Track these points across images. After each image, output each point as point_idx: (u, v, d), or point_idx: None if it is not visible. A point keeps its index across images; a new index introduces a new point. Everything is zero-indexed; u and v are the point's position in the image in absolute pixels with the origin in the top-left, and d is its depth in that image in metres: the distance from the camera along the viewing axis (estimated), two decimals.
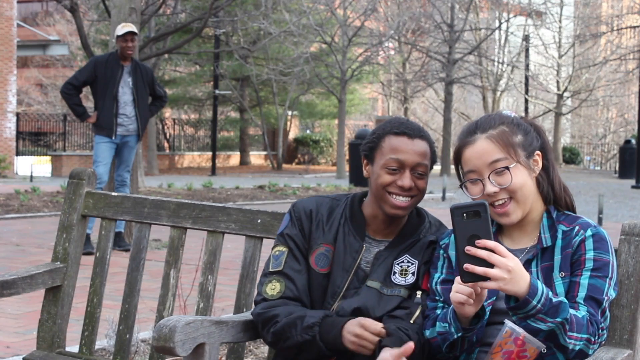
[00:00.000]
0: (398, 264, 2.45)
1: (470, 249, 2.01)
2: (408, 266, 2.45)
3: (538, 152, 2.32)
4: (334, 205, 2.56)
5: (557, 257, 2.26)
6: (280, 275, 2.48)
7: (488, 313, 2.26)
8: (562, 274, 2.23)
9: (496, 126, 2.30)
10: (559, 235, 2.28)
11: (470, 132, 2.32)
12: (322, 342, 2.33)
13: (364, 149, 2.53)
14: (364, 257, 2.49)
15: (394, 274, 2.44)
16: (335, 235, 2.50)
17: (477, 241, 2.01)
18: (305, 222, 2.53)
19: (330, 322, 2.34)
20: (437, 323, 2.24)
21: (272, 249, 2.55)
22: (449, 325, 2.18)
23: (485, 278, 2.01)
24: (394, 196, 2.43)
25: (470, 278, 2.02)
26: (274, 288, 2.47)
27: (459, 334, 2.17)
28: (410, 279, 2.44)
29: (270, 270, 2.50)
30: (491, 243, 2.01)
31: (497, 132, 2.28)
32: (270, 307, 2.44)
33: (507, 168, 2.24)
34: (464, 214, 2.04)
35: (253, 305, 2.53)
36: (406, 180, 2.42)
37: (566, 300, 2.09)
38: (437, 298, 2.34)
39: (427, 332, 2.28)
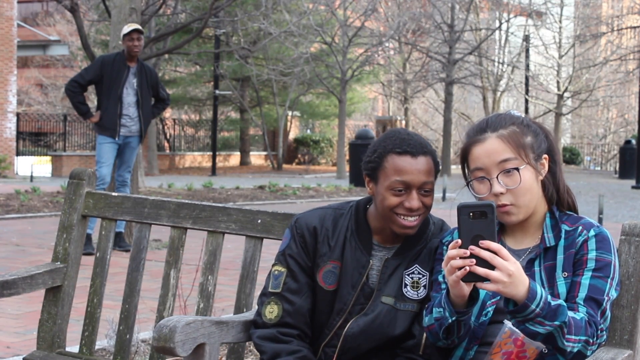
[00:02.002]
0: (409, 275, 2.44)
1: (473, 249, 2.01)
2: (419, 278, 2.44)
3: (546, 155, 2.31)
4: (337, 215, 2.52)
5: (560, 257, 2.25)
6: (278, 297, 2.45)
7: (491, 311, 2.26)
8: (564, 274, 2.23)
9: (507, 126, 2.28)
10: (562, 235, 2.27)
11: (481, 130, 2.30)
12: None
13: (365, 168, 2.46)
14: (374, 265, 2.46)
15: (405, 286, 2.43)
16: (342, 250, 2.47)
17: (480, 242, 2.01)
18: (309, 240, 2.48)
19: None
20: (434, 309, 2.23)
21: (272, 266, 2.52)
22: (444, 310, 2.17)
23: (486, 279, 2.01)
24: (402, 217, 2.38)
25: (471, 278, 2.03)
26: (272, 311, 2.45)
27: (453, 318, 2.15)
28: (423, 293, 2.43)
29: (270, 290, 2.48)
30: (495, 245, 2.01)
31: (508, 132, 2.27)
32: (263, 340, 2.44)
33: (517, 169, 2.23)
34: (471, 214, 2.03)
35: (253, 327, 2.53)
36: (414, 201, 2.37)
37: (564, 304, 2.09)
38: (442, 287, 2.32)
39: (426, 319, 2.28)
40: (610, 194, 18.69)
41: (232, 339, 2.49)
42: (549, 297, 2.06)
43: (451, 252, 2.03)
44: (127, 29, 8.24)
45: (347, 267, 2.46)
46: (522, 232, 2.33)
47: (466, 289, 2.10)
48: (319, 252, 2.48)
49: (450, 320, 2.16)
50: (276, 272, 2.49)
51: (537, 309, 2.03)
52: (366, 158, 2.47)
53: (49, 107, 36.37)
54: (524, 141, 2.27)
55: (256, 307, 2.58)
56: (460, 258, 2.02)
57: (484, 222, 2.02)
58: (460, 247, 2.03)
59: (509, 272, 1.99)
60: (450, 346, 2.29)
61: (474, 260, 2.01)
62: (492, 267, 2.00)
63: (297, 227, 2.51)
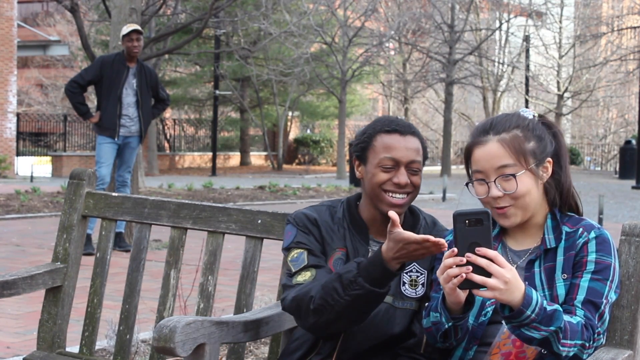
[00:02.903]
0: (407, 274, 2.44)
1: (470, 256, 2.01)
2: (417, 276, 2.44)
3: (549, 159, 2.29)
4: (332, 212, 2.53)
5: (560, 258, 2.25)
6: (308, 268, 2.39)
7: (490, 312, 2.26)
8: (564, 276, 2.22)
9: (510, 129, 2.26)
10: (563, 237, 2.27)
11: (484, 131, 2.29)
12: (375, 286, 2.19)
13: (355, 150, 2.49)
14: None
15: (403, 285, 2.43)
16: (344, 239, 2.48)
17: (477, 249, 2.01)
18: (314, 229, 2.47)
19: (366, 265, 2.22)
20: (431, 313, 2.24)
21: (287, 255, 2.45)
22: (440, 315, 2.18)
23: (482, 286, 2.01)
24: (391, 194, 2.41)
25: (467, 285, 2.03)
26: (304, 275, 2.38)
27: (450, 324, 2.16)
28: (421, 291, 2.43)
29: (294, 270, 2.41)
30: (491, 252, 2.01)
31: (510, 137, 2.25)
32: (302, 288, 2.32)
33: (514, 176, 2.23)
34: (466, 221, 2.04)
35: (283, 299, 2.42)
36: (402, 177, 2.40)
37: (560, 308, 2.09)
38: (442, 288, 2.32)
39: (424, 322, 2.28)
40: (610, 194, 18.69)
41: (232, 339, 2.49)
42: (545, 302, 2.06)
43: (447, 260, 2.03)
44: (126, 29, 8.24)
45: (350, 255, 2.47)
46: (523, 233, 2.32)
47: (462, 295, 2.10)
48: (326, 240, 2.47)
49: (446, 326, 2.17)
50: (295, 254, 2.43)
51: (533, 315, 2.03)
52: (355, 141, 2.50)
53: (49, 108, 36.37)
54: (524, 147, 2.25)
55: (257, 307, 2.58)
56: (457, 266, 2.02)
57: (479, 229, 2.03)
58: (456, 255, 2.03)
59: (505, 279, 2.00)
60: (448, 348, 2.29)
61: (470, 268, 2.01)
62: (488, 274, 2.00)
63: (297, 221, 2.49)
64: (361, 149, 2.47)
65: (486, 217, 2.03)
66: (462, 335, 2.23)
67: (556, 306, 2.08)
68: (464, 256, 2.02)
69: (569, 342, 2.08)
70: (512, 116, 2.31)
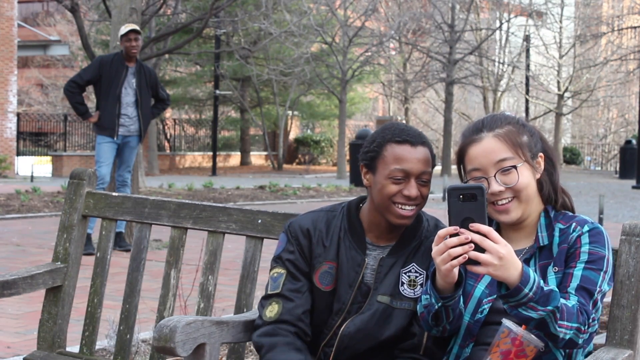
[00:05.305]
0: (406, 274, 2.44)
1: (463, 232, 2.00)
2: (416, 277, 2.44)
3: (541, 154, 2.32)
4: (330, 218, 2.53)
5: (555, 255, 2.26)
6: (279, 297, 2.46)
7: (487, 309, 2.25)
8: (555, 269, 2.23)
9: (503, 125, 2.29)
10: (556, 234, 2.28)
11: (477, 130, 2.31)
12: None
13: (364, 158, 2.46)
14: (368, 264, 2.47)
15: (402, 285, 2.43)
16: (337, 251, 2.48)
17: (470, 224, 2.00)
18: (304, 242, 2.49)
19: None
20: (422, 297, 2.24)
21: (270, 270, 2.52)
22: (430, 297, 2.17)
23: (476, 262, 2.00)
24: (400, 206, 2.39)
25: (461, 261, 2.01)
26: (272, 310, 2.45)
27: (439, 304, 2.15)
28: (419, 291, 2.42)
29: (269, 292, 2.48)
30: (484, 227, 2.00)
31: (505, 131, 2.28)
32: (261, 337, 2.43)
33: (515, 167, 2.24)
34: (461, 196, 2.02)
35: (254, 330, 2.53)
36: (413, 190, 2.38)
37: (557, 289, 2.09)
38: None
39: (418, 307, 2.28)
40: (610, 194, 18.69)
41: (233, 339, 2.49)
42: (542, 282, 2.06)
43: (451, 240, 2.02)
44: (124, 29, 8.23)
45: (342, 266, 2.46)
46: (518, 233, 2.33)
47: (455, 275, 2.09)
48: (314, 253, 2.49)
49: (436, 306, 2.17)
50: (275, 274, 2.49)
51: (530, 293, 2.02)
52: (364, 149, 2.48)
53: (49, 107, 36.39)
54: (520, 140, 2.28)
55: (257, 307, 2.59)
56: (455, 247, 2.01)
57: (473, 204, 2.02)
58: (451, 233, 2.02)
59: (499, 255, 1.99)
60: (443, 335, 2.29)
61: (472, 246, 1.99)
62: (482, 250, 1.99)
63: (291, 231, 2.52)
64: (370, 157, 2.44)
65: (480, 192, 2.02)
66: (454, 319, 2.22)
67: (552, 287, 2.09)
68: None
69: (566, 323, 2.08)
70: (500, 115, 2.35)
